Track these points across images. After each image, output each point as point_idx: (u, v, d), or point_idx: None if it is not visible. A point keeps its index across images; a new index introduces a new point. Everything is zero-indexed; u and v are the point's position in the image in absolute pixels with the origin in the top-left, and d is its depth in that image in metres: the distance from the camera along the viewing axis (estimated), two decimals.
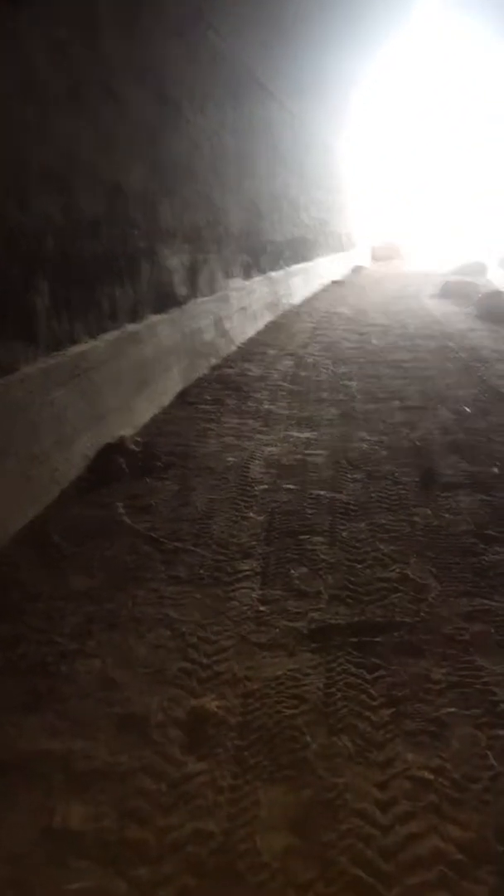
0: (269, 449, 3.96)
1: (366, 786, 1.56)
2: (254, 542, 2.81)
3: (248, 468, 3.65)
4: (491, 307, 9.17)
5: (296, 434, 4.25)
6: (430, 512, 3.03)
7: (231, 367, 6.15)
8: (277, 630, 2.18)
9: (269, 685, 1.91)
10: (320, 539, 2.82)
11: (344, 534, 2.86)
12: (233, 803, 1.55)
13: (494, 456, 3.68)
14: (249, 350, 7.01)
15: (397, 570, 2.54)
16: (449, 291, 11.73)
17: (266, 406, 4.90)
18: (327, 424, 4.45)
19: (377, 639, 2.12)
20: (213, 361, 6.20)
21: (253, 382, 5.61)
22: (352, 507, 3.13)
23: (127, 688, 1.93)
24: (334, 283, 14.15)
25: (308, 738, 1.70)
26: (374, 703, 1.83)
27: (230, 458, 3.80)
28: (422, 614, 2.25)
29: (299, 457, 3.82)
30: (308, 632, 2.17)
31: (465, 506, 3.08)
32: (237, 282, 7.63)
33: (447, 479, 3.39)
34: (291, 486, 3.39)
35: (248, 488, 3.38)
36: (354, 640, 2.12)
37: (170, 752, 1.71)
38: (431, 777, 1.57)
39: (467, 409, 4.58)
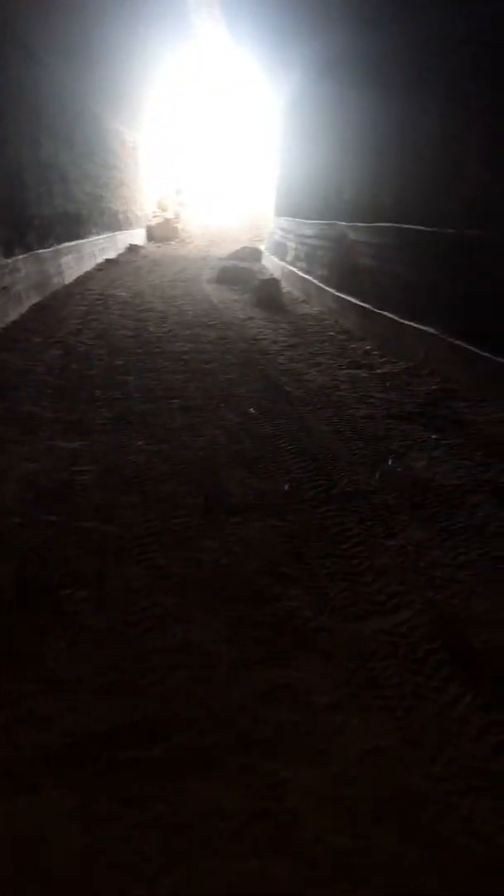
0: (27, 465, 3.29)
1: None
2: None
3: None
4: (268, 295, 9.03)
5: (62, 444, 3.61)
6: (217, 545, 2.59)
7: None
8: (17, 752, 1.59)
9: None
10: (85, 594, 2.25)
11: (116, 583, 2.32)
12: None
13: (284, 468, 3.33)
14: (11, 337, 6.14)
15: (180, 634, 2.05)
16: (226, 277, 11.50)
17: (27, 408, 4.18)
18: (99, 430, 3.85)
19: (153, 751, 1.61)
20: None
21: (12, 378, 4.83)
22: (126, 543, 2.59)
23: None
24: (110, 262, 13.37)
25: None
26: (149, 871, 1.32)
27: None
28: (210, 701, 1.78)
29: (64, 475, 3.20)
30: (60, 750, 1.61)
31: (257, 534, 2.68)
32: None
33: (235, 499, 2.98)
34: (52, 518, 2.77)
35: None
36: (123, 756, 1.59)
37: None
38: None
39: (252, 411, 4.22)
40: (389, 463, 3.36)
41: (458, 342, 4.74)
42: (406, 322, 5.59)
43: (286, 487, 3.10)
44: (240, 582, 2.35)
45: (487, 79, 4.58)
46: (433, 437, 3.74)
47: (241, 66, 16.14)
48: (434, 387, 4.70)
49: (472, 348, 4.55)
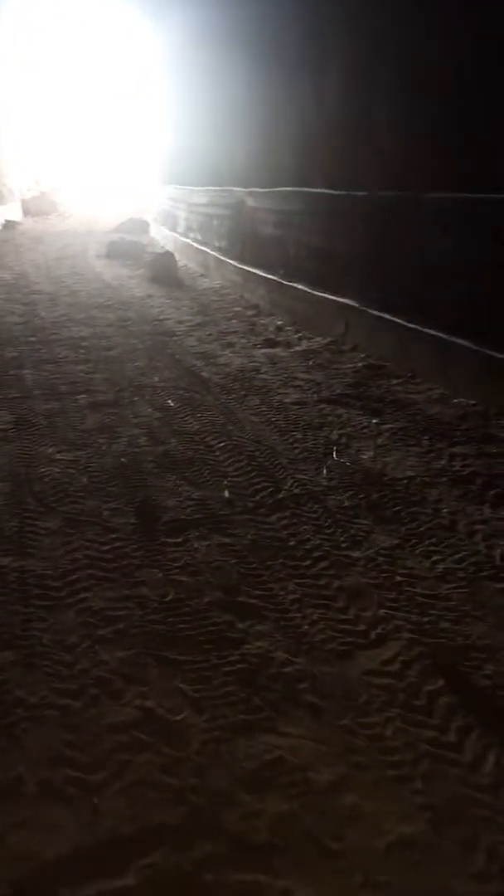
0: None
1: None
2: None
3: None
4: (164, 270, 8.55)
5: None
6: (160, 575, 2.22)
7: None
8: None
9: None
10: (10, 657, 1.84)
11: (45, 639, 1.92)
12: None
13: (220, 471, 2.98)
14: None
15: (135, 702, 1.69)
16: (116, 252, 10.86)
17: None
18: (0, 438, 3.37)
19: (126, 879, 1.25)
20: None
21: None
22: (51, 583, 2.18)
23: None
24: None
25: None
26: None
27: None
28: (187, 795, 1.44)
29: None
30: (2, 891, 1.23)
31: (204, 557, 2.33)
32: None
33: (171, 514, 2.61)
34: None
35: None
36: (86, 892, 1.23)
37: None
38: None
39: (171, 403, 3.84)
40: (334, 457, 3.07)
41: (381, 314, 4.50)
42: (321, 294, 5.31)
43: (227, 494, 2.75)
44: (195, 621, 1.99)
45: (391, 30, 4.30)
46: (373, 421, 3.48)
47: (113, 16, 15.28)
48: (360, 364, 4.45)
49: (396, 320, 4.32)
